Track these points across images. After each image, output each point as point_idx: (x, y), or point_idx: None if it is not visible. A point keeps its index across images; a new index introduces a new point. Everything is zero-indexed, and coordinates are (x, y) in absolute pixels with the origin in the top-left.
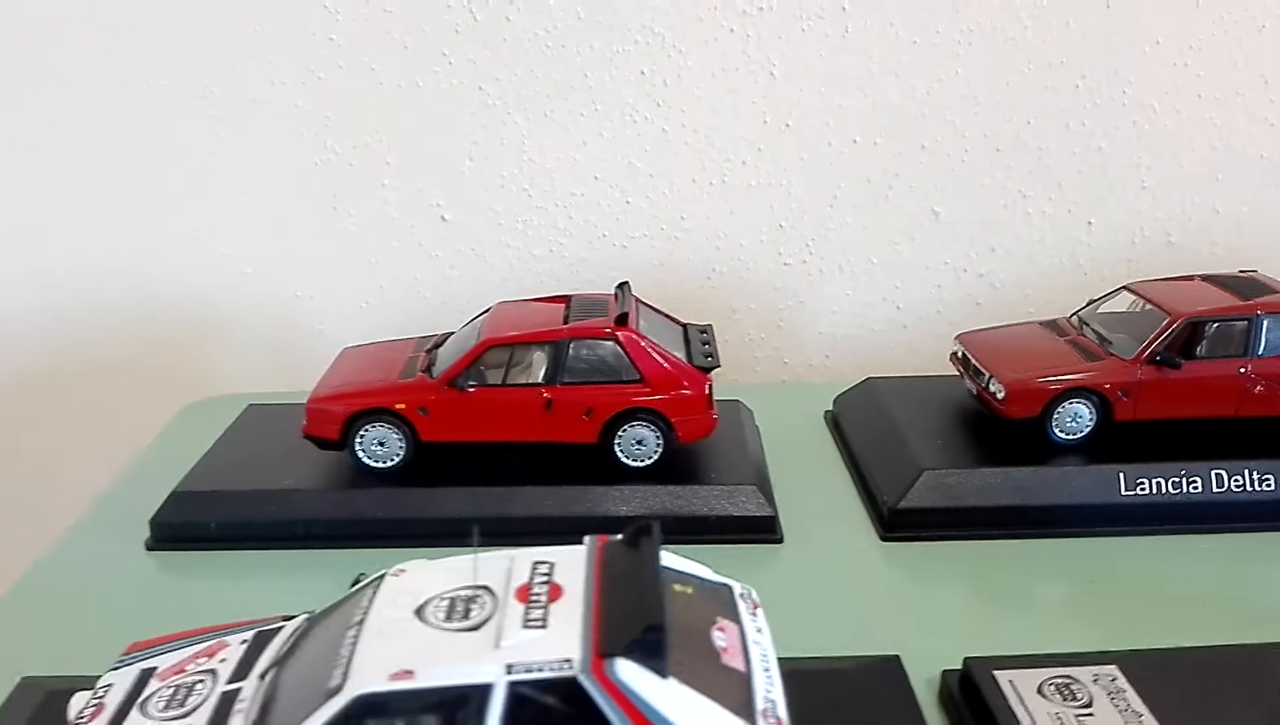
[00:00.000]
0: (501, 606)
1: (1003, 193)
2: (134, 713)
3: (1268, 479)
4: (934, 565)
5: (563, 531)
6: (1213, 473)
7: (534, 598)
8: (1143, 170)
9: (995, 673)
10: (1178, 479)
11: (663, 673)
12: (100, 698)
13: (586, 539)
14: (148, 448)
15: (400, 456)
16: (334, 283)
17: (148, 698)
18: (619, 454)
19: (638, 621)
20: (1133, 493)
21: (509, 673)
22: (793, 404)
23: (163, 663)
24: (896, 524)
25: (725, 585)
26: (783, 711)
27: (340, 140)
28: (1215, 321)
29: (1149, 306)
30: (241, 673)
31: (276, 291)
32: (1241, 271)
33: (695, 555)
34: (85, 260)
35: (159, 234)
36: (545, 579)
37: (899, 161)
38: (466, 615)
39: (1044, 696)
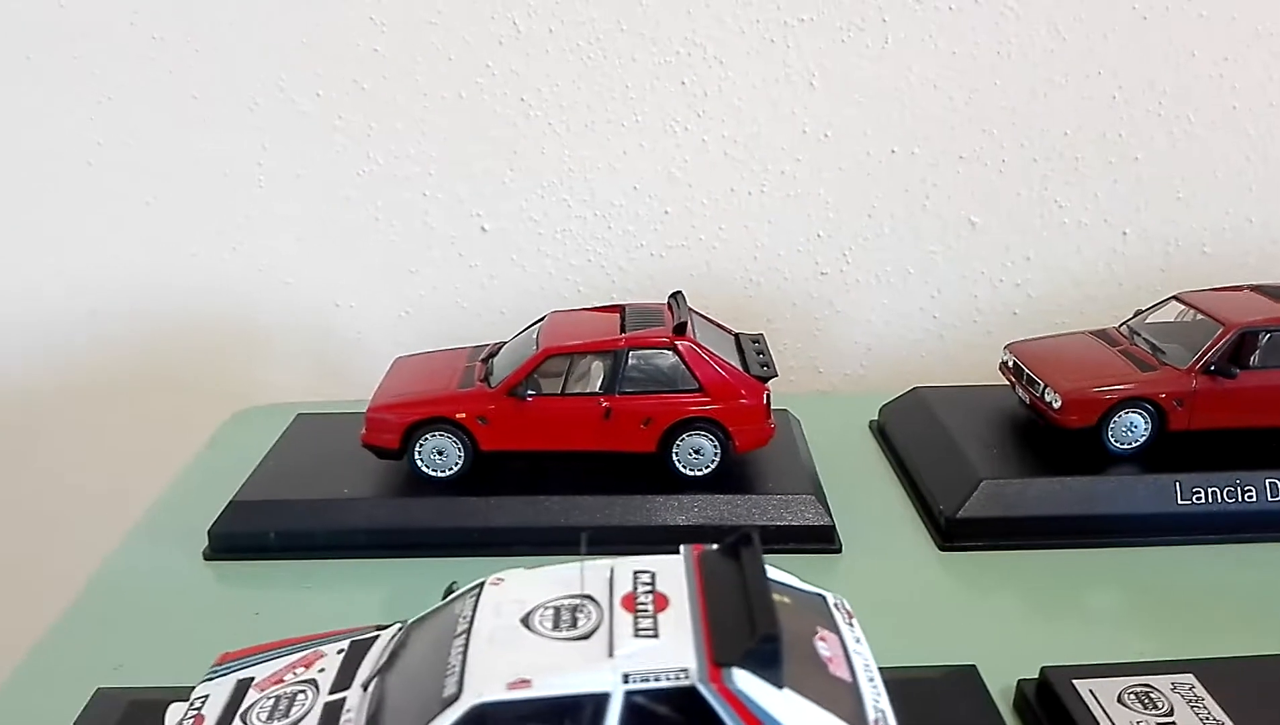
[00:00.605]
0: (608, 615)
1: (1039, 203)
2: (236, 723)
3: None
4: (994, 575)
5: (623, 541)
6: (1268, 482)
7: (641, 607)
8: (1178, 181)
9: (1075, 682)
10: (1233, 488)
11: (779, 683)
12: (198, 709)
13: (682, 548)
14: (197, 457)
15: (459, 466)
16: (374, 292)
17: (248, 708)
18: (677, 463)
19: (753, 631)
20: (1189, 502)
21: (626, 681)
22: (836, 414)
23: (259, 673)
24: (955, 534)
25: (820, 595)
26: (893, 722)
27: (382, 151)
28: (1269, 331)
29: (1200, 316)
30: (343, 682)
31: (318, 301)
32: None
33: None
34: (129, 270)
35: (203, 244)
36: (649, 588)
37: (936, 171)
38: (574, 624)
39: (1125, 705)
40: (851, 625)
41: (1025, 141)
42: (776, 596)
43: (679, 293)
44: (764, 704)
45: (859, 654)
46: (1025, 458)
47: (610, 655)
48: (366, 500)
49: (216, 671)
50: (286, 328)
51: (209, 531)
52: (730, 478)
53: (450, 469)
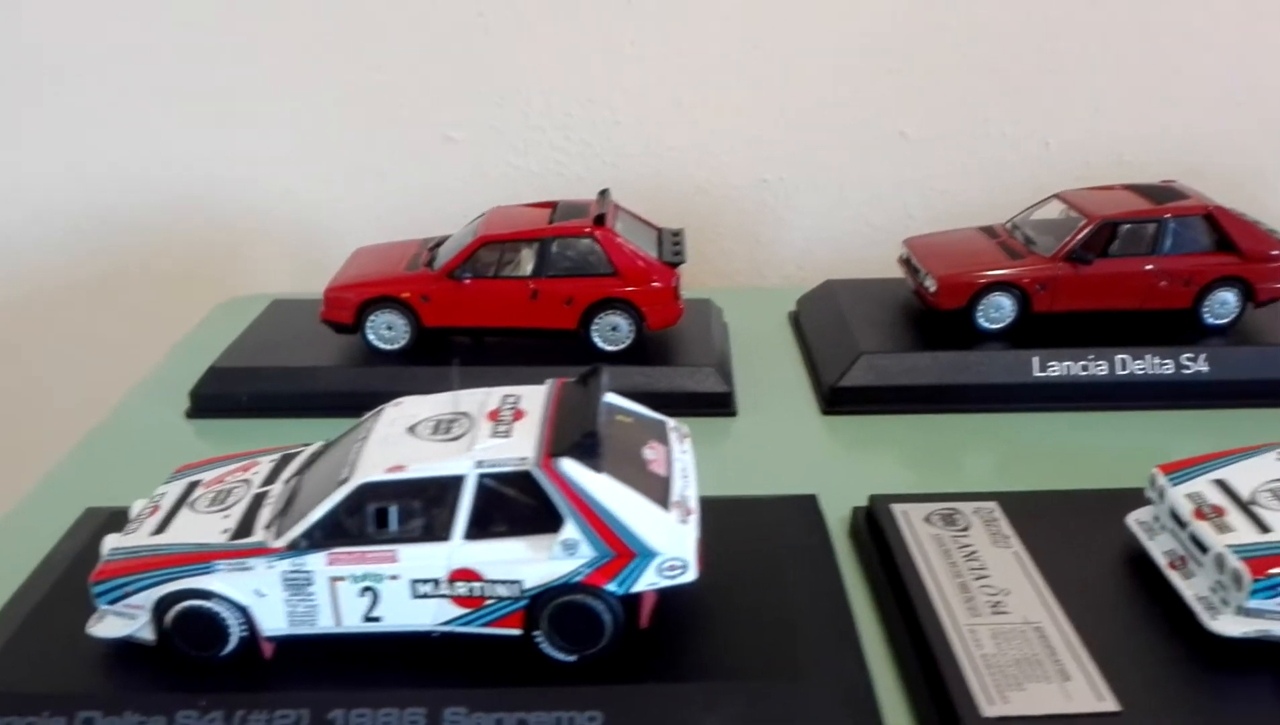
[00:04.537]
0: (476, 424)
1: (967, 115)
2: (184, 510)
3: (1167, 363)
4: (867, 434)
5: None
6: (1117, 357)
7: (502, 418)
8: (1096, 92)
9: (892, 506)
10: (1086, 362)
11: (598, 469)
12: (156, 502)
13: (549, 380)
14: (186, 336)
15: (406, 339)
16: (352, 194)
17: (195, 500)
18: (596, 339)
19: (579, 430)
20: (1045, 374)
21: (478, 467)
22: (764, 306)
23: (206, 476)
24: (836, 400)
25: (661, 421)
26: (694, 504)
27: (357, 65)
28: (1127, 223)
29: (1073, 212)
30: (270, 480)
31: (301, 202)
32: (1163, 181)
33: None
34: (128, 172)
35: (199, 154)
36: (512, 406)
37: (869, 84)
38: (449, 431)
39: (929, 523)
40: (683, 442)
41: (953, 56)
42: (620, 417)
43: (606, 190)
44: (584, 483)
45: (679, 460)
46: (906, 336)
47: (469, 450)
48: (326, 368)
49: (174, 477)
50: (273, 226)
51: (190, 393)
52: (645, 352)
53: (399, 342)
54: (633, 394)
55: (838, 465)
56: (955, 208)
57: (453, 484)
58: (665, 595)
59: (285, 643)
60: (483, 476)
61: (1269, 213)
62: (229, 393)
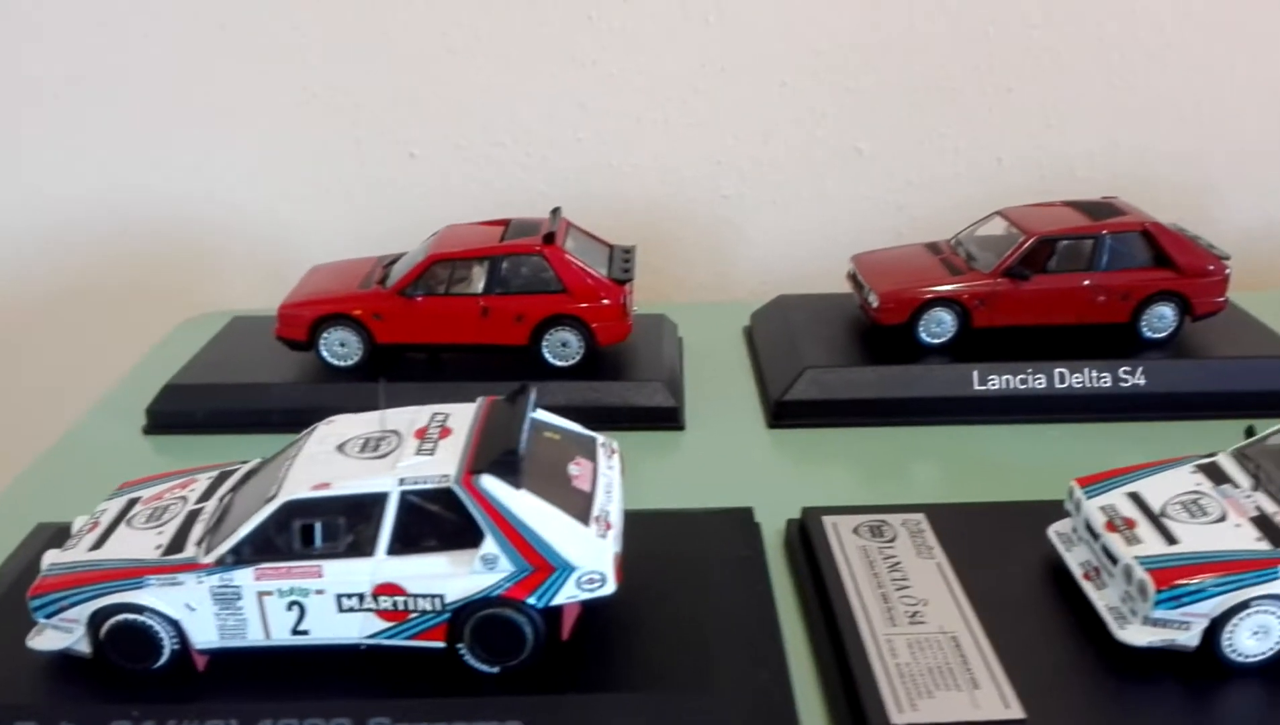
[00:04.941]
0: (403, 442)
1: (920, 131)
2: (121, 526)
3: (1105, 377)
4: (810, 448)
5: None
6: (1056, 371)
7: (428, 435)
8: (1048, 109)
9: (824, 518)
10: (1025, 376)
11: (516, 485)
12: (96, 518)
13: (479, 398)
14: (150, 353)
15: (359, 356)
16: (315, 212)
17: (133, 516)
18: (547, 355)
19: (501, 448)
20: (984, 387)
21: (401, 484)
22: (723, 320)
23: (146, 493)
24: (782, 413)
25: (591, 437)
26: (615, 519)
27: (320, 84)
28: (1065, 239)
29: (1013, 228)
30: (206, 497)
31: (266, 220)
32: (1104, 198)
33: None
34: (96, 191)
35: (165, 174)
36: (440, 423)
37: (825, 103)
38: (376, 449)
39: (858, 535)
40: (610, 458)
41: (906, 74)
42: (549, 433)
43: (557, 209)
44: (503, 500)
45: (605, 476)
46: (851, 351)
47: (394, 467)
48: (280, 384)
49: (116, 494)
50: (239, 243)
51: (146, 410)
52: (595, 367)
53: (352, 359)
54: (583, 408)
55: (780, 478)
56: (911, 222)
57: (376, 501)
58: (591, 608)
59: (217, 655)
60: (405, 493)
61: (1220, 226)
62: (185, 410)
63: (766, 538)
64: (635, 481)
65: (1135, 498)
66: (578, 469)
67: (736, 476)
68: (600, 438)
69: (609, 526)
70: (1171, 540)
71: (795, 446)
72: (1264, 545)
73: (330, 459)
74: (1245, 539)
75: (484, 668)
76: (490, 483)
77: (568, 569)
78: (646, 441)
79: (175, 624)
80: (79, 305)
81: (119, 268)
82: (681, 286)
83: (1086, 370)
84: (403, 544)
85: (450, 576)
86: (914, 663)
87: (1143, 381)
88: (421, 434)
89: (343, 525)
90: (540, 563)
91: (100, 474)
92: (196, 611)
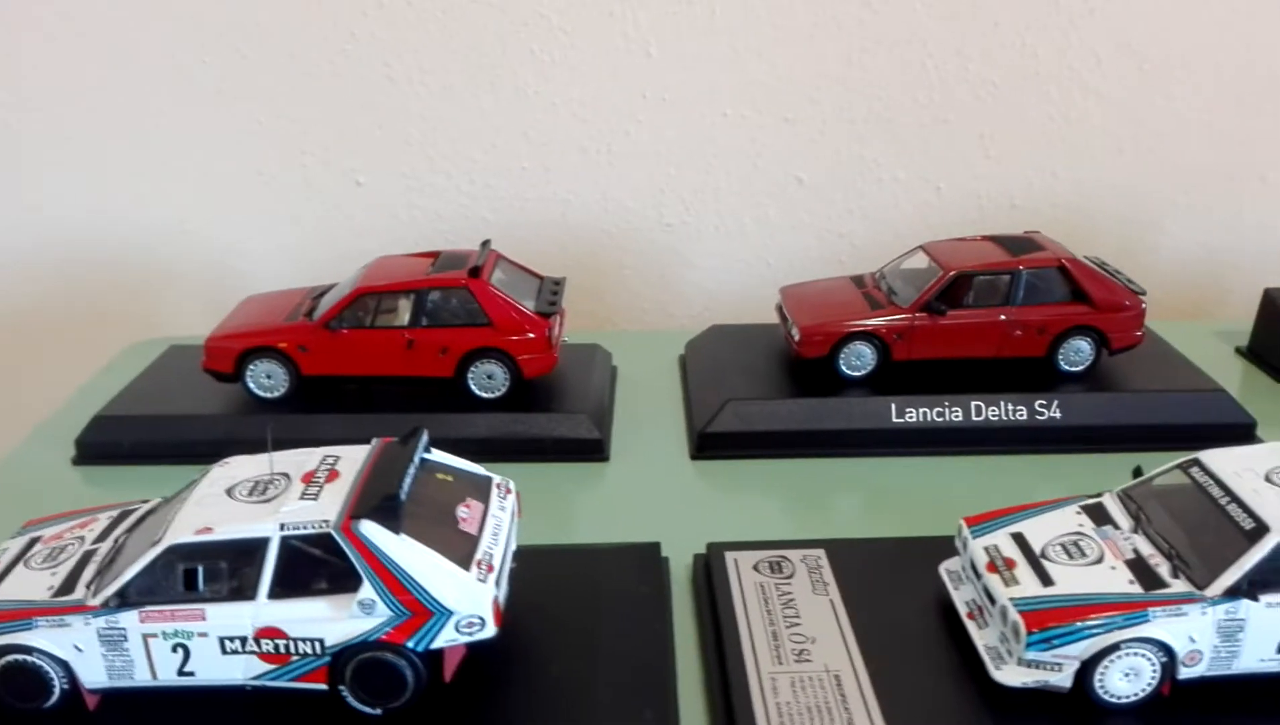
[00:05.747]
0: (290, 486)
1: (859, 161)
2: (19, 567)
3: (1020, 410)
4: (730, 480)
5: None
6: (973, 403)
7: (315, 479)
8: (986, 140)
9: (726, 553)
10: (941, 408)
11: (396, 530)
12: None
13: (375, 439)
14: (91, 380)
15: (286, 388)
16: (262, 239)
17: (31, 556)
18: (473, 387)
19: (381, 493)
20: (902, 419)
21: (282, 529)
22: (660, 349)
23: (47, 533)
24: (705, 445)
25: (486, 477)
26: (497, 562)
27: (265, 112)
28: (982, 275)
29: (933, 263)
30: (103, 538)
31: (212, 247)
32: (1026, 232)
33: (533, 472)
34: (42, 218)
35: (112, 199)
36: (329, 467)
37: (765, 133)
38: (264, 493)
39: (757, 571)
40: (504, 499)
41: (844, 105)
42: (440, 475)
43: (487, 241)
44: (382, 545)
45: (495, 517)
46: (773, 383)
47: (277, 512)
48: (207, 416)
49: (20, 533)
50: (185, 269)
51: (75, 441)
52: (523, 399)
53: (279, 391)
54: (508, 440)
55: (697, 511)
56: (852, 250)
57: (258, 545)
58: (479, 649)
59: (109, 694)
60: (286, 538)
61: (1159, 255)
62: (113, 440)
63: (676, 573)
64: (556, 515)
65: (1018, 538)
66: (466, 512)
67: (655, 510)
68: (497, 478)
69: (491, 569)
70: (1048, 582)
71: (715, 479)
72: (1136, 589)
73: (218, 502)
74: (1118, 582)
75: (367, 709)
76: (369, 528)
77: (445, 613)
78: (570, 473)
79: (65, 664)
80: (26, 330)
81: (68, 294)
82: (625, 314)
83: (1003, 403)
84: (284, 588)
85: (330, 620)
86: (794, 702)
87: (1059, 414)
88: (309, 478)
89: (225, 569)
90: (418, 607)
91: (27, 504)
92: (84, 652)
